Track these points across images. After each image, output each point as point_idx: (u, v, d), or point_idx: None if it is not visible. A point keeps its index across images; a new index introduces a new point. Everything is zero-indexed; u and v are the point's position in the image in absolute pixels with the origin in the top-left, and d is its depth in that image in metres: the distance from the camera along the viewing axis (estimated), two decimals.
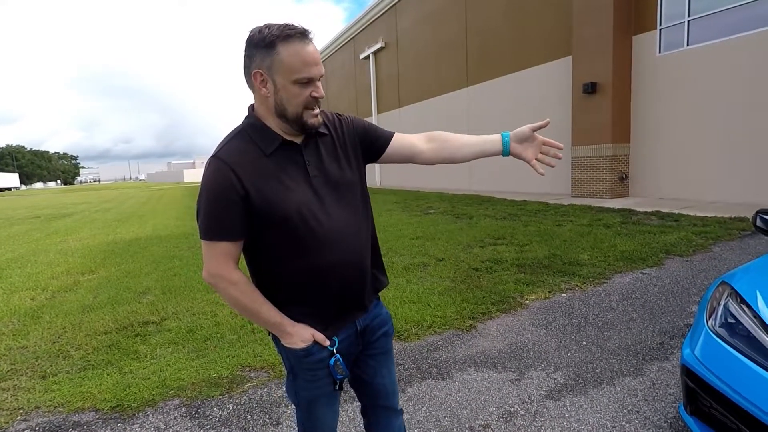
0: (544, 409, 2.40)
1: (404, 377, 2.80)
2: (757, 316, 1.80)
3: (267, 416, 2.45)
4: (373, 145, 1.44)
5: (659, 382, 2.62)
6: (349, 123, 1.41)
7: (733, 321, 1.85)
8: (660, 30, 10.11)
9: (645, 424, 2.23)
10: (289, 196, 1.20)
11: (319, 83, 1.20)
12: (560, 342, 3.23)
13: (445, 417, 2.36)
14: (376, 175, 23.25)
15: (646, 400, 2.44)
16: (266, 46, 1.12)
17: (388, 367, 1.49)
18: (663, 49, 10.12)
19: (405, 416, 2.38)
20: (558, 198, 11.52)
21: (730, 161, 9.09)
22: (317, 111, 1.23)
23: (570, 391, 2.57)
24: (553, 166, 1.47)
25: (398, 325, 3.55)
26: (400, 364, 2.97)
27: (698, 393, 1.82)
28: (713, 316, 1.94)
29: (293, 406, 1.43)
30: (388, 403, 1.52)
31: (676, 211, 8.26)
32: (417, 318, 3.67)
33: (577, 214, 8.63)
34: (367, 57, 22.19)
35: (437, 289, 4.45)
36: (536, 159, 1.45)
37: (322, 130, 1.31)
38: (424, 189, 17.47)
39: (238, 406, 2.56)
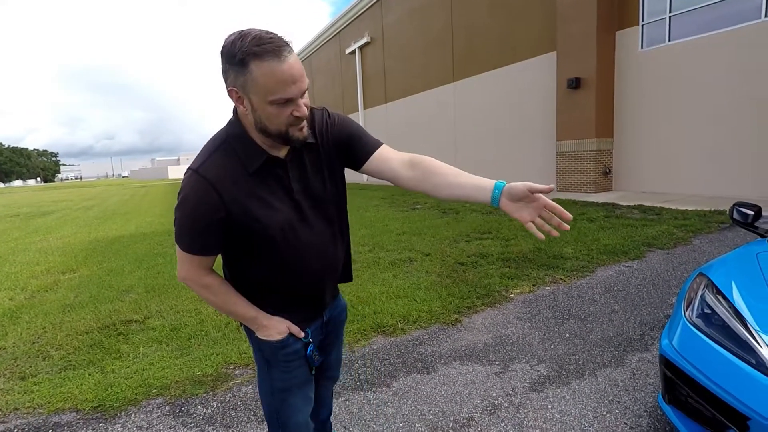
0: (528, 401, 2.43)
1: (390, 372, 2.81)
2: (732, 306, 1.85)
3: (252, 413, 2.44)
4: (355, 155, 1.36)
5: (639, 372, 2.67)
6: (335, 125, 1.35)
7: (709, 311, 1.89)
8: (642, 26, 10.23)
9: (625, 413, 2.28)
10: (273, 216, 1.20)
11: (301, 100, 1.11)
12: (544, 334, 3.27)
13: (430, 411, 2.38)
14: None
15: (626, 390, 2.49)
16: (238, 63, 1.03)
17: (338, 346, 1.66)
18: (645, 45, 10.25)
19: (390, 410, 2.40)
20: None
21: (710, 155, 9.26)
22: (303, 125, 1.17)
23: (553, 382, 2.61)
24: (554, 235, 1.18)
25: (384, 320, 3.56)
26: (386, 359, 2.98)
27: (676, 383, 1.86)
28: (690, 307, 1.98)
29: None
30: (332, 374, 1.69)
31: (658, 205, 8.41)
32: (403, 313, 3.68)
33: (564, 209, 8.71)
34: (353, 52, 22.09)
35: (423, 283, 4.46)
36: (534, 221, 1.17)
37: (310, 140, 1.25)
38: None
39: (223, 404, 2.55)
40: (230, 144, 1.18)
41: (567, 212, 1.14)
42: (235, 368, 2.96)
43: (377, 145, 1.36)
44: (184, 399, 2.62)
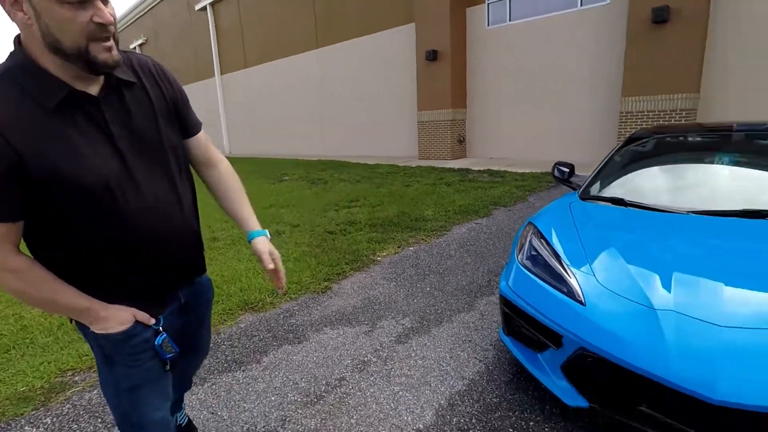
0: (394, 353, 2.60)
1: (260, 348, 2.75)
2: (551, 247, 2.18)
3: (99, 420, 2.18)
4: (184, 124, 1.24)
5: (487, 313, 3.03)
6: (173, 82, 1.20)
7: (535, 253, 2.21)
8: (488, 4, 11.14)
9: (475, 349, 2.58)
10: (85, 164, 0.96)
11: (101, 4, 0.90)
12: (408, 291, 3.50)
13: (302, 378, 2.40)
14: (224, 140, 21.71)
15: (476, 329, 2.82)
16: None
17: (206, 326, 1.52)
18: (491, 23, 11.21)
19: (261, 386, 2.36)
20: (407, 160, 12.25)
21: (544, 124, 10.67)
22: (110, 44, 0.94)
23: (416, 333, 2.83)
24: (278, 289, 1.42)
25: (252, 296, 3.45)
26: (255, 336, 2.90)
27: (511, 317, 2.16)
28: (521, 252, 2.29)
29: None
30: (200, 354, 1.60)
31: (503, 169, 9.48)
32: (270, 287, 3.61)
33: (424, 175, 9.32)
34: (204, 8, 20.05)
35: (293, 255, 4.42)
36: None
37: (125, 75, 1.05)
38: (278, 156, 16.94)
39: (60, 417, 2.20)
40: (15, 77, 0.92)
41: (282, 285, 1.41)
42: (74, 374, 2.57)
43: (200, 124, 1.31)
44: (4, 424, 2.20)
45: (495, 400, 2.13)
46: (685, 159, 2.81)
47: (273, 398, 2.24)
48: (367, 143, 14.54)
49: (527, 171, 8.95)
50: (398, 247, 4.63)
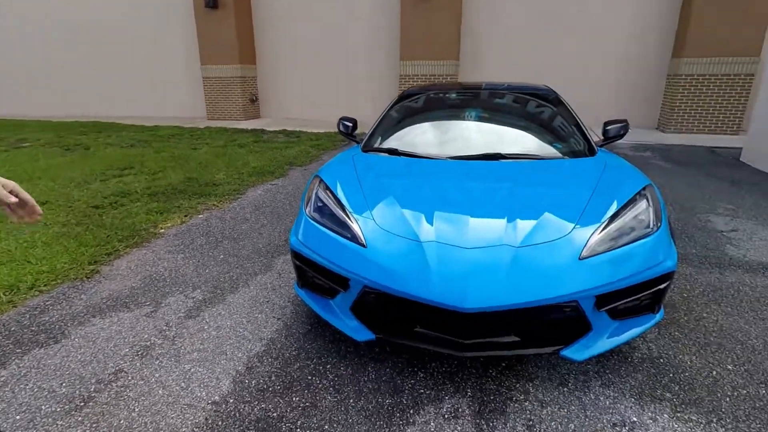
0: (184, 330, 2.37)
1: None
2: (336, 198, 2.25)
3: None
4: None
5: (284, 272, 3.02)
6: None
7: (321, 205, 2.25)
8: None
9: (273, 309, 2.55)
10: None
11: None
12: (198, 262, 3.22)
13: (62, 384, 1.98)
14: None
15: (274, 289, 2.78)
16: None
17: None
18: None
19: (0, 407, 1.86)
20: (194, 122, 11.11)
21: (337, 84, 10.94)
22: None
23: (209, 304, 2.63)
24: (30, 221, 1.14)
25: None
26: None
27: (304, 269, 2.18)
28: (309, 204, 2.31)
29: None
30: None
31: (298, 129, 9.46)
32: (9, 282, 2.85)
33: (213, 137, 8.61)
34: None
35: (41, 239, 3.56)
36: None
37: None
38: (17, 117, 13.26)
39: None
40: None
41: (38, 208, 1.15)
42: None
43: None
44: None
45: (294, 353, 2.15)
46: (445, 113, 3.25)
47: (18, 417, 1.79)
48: (141, 102, 12.57)
49: (322, 131, 9.13)
50: (185, 216, 4.20)
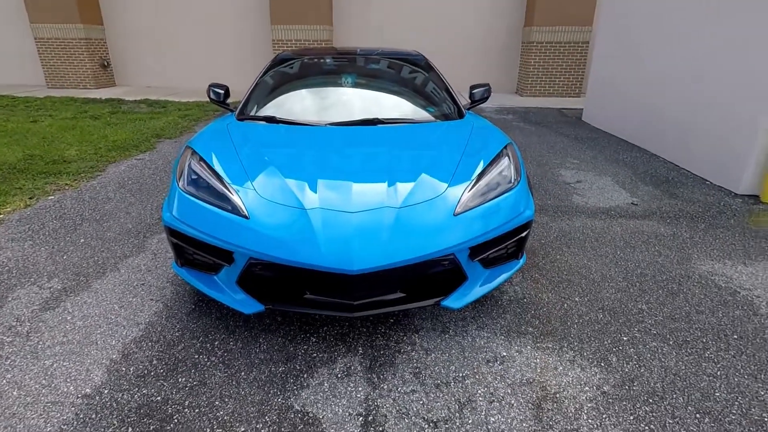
0: (41, 324, 2.09)
1: None
2: (212, 169, 2.12)
3: None
4: None
5: (160, 251, 2.79)
6: None
7: (196, 177, 2.11)
8: None
9: (150, 291, 2.36)
10: None
11: None
12: (53, 248, 2.82)
13: None
14: None
15: (149, 271, 2.56)
16: None
17: None
18: None
19: None
20: (31, 90, 9.43)
21: (205, 49, 10.03)
22: None
23: (70, 293, 2.34)
24: None
25: None
26: None
27: (182, 246, 2.04)
28: (182, 178, 2.14)
29: None
30: None
31: (164, 98, 8.57)
32: None
33: (59, 107, 7.41)
34: None
35: None
36: None
37: None
38: None
39: None
40: None
41: None
42: None
43: None
44: None
45: (177, 334, 2.03)
46: (322, 79, 3.20)
47: None
48: None
49: (192, 100, 8.40)
50: (30, 198, 3.61)
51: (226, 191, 1.99)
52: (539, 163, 4.80)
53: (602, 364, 1.86)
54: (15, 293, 2.34)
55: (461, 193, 2.00)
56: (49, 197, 3.67)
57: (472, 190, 2.03)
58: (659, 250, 2.87)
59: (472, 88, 3.21)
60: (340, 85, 3.06)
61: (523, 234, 2.11)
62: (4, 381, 1.73)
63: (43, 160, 4.52)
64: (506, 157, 2.27)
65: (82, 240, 2.94)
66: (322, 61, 3.38)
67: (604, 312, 2.22)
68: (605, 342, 2.00)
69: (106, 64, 9.98)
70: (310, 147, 2.34)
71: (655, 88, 5.16)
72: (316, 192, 1.94)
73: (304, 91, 3.02)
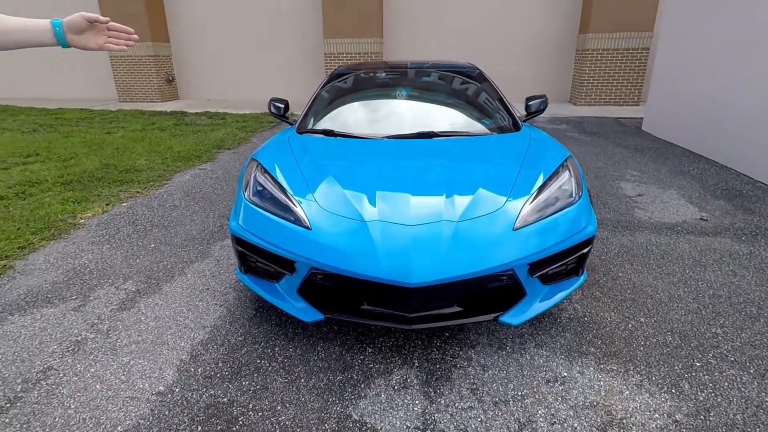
0: (118, 323, 2.25)
1: None
2: (276, 181, 2.22)
3: None
4: None
5: (222, 258, 2.93)
6: None
7: (261, 188, 2.21)
8: None
9: (214, 296, 2.48)
10: None
11: None
12: (127, 252, 3.03)
13: None
14: None
15: (213, 276, 2.70)
16: None
17: None
18: None
19: None
20: (104, 104, 10.21)
21: (260, 63, 10.49)
22: None
23: (143, 294, 2.51)
24: (128, 47, 1.26)
25: None
26: None
27: (246, 254, 2.14)
28: (247, 189, 2.25)
29: None
30: None
31: (222, 111, 9.02)
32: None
33: (129, 120, 7.98)
34: None
35: None
36: (106, 44, 1.21)
37: None
38: None
39: None
40: None
41: (129, 27, 1.23)
42: None
43: None
44: None
45: (240, 338, 2.12)
46: (376, 92, 3.26)
47: None
48: (40, 83, 11.30)
49: (248, 112, 8.77)
50: (107, 204, 3.90)
51: (290, 202, 2.07)
52: (596, 175, 4.63)
53: (673, 391, 1.76)
54: (96, 293, 2.53)
55: (520, 208, 1.97)
56: (123, 204, 3.95)
57: (532, 204, 2.00)
58: (734, 269, 2.69)
59: (528, 99, 3.16)
60: (395, 99, 3.11)
61: (585, 250, 2.05)
62: (89, 375, 1.88)
63: (117, 168, 4.88)
64: (567, 171, 2.22)
65: (153, 245, 3.14)
66: (376, 75, 3.45)
67: (673, 335, 2.10)
68: (676, 367, 1.89)
69: (171, 78, 10.63)
70: (367, 160, 2.39)
71: (726, 95, 4.86)
72: (374, 204, 1.98)
73: (359, 105, 3.10)
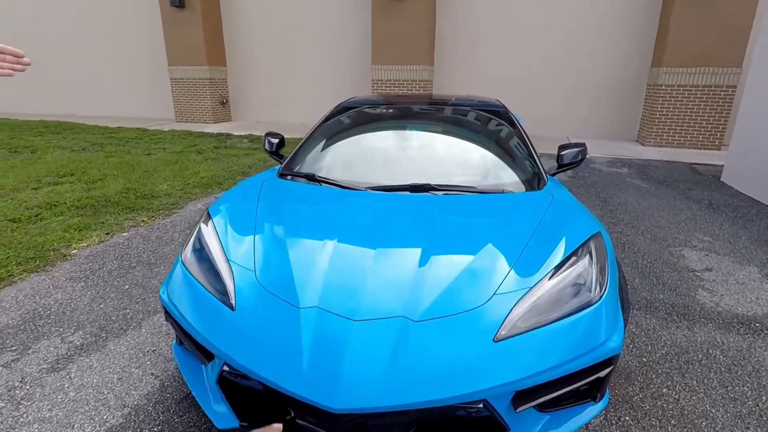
0: (38, 389, 1.94)
1: None
2: (218, 238, 1.84)
3: None
4: None
5: None
6: None
7: (200, 247, 1.84)
8: None
9: (156, 362, 2.13)
10: None
11: None
12: (97, 293, 2.79)
13: None
14: None
15: (167, 334, 2.36)
16: None
17: None
18: None
19: None
20: (161, 123, 10.65)
21: (310, 87, 10.54)
22: None
23: (84, 352, 2.20)
24: (16, 71, 1.13)
25: None
26: None
27: (176, 328, 1.77)
28: (187, 246, 1.90)
29: None
30: None
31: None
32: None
33: (175, 141, 8.15)
34: None
35: None
36: None
37: None
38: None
39: None
40: None
41: (19, 50, 1.12)
42: None
43: None
44: None
45: (155, 429, 1.73)
46: (378, 131, 2.83)
47: None
48: (112, 101, 12.09)
49: (292, 136, 8.70)
50: (107, 234, 3.76)
51: (223, 269, 1.68)
52: (654, 237, 3.88)
53: None
54: (38, 344, 2.27)
55: (511, 307, 1.45)
56: (123, 234, 3.78)
57: (528, 302, 1.47)
58: None
59: (561, 148, 2.61)
60: (398, 141, 2.67)
61: (603, 373, 1.46)
62: None
63: (136, 194, 4.80)
64: (587, 256, 1.66)
65: (127, 286, 2.88)
66: (383, 111, 3.03)
67: None
68: None
69: (224, 101, 10.93)
70: (335, 218, 1.93)
71: None
72: (321, 282, 1.54)
73: (354, 147, 2.68)
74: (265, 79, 10.82)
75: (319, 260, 1.64)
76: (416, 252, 1.65)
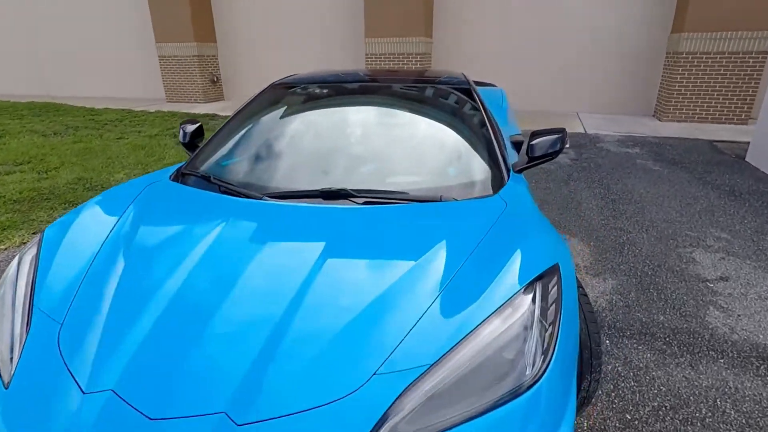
0: None
1: None
2: (35, 274, 1.38)
3: None
4: None
5: None
6: None
7: (11, 288, 1.37)
8: None
9: None
10: None
11: None
12: None
13: None
14: None
15: None
16: None
17: None
18: None
19: None
20: (151, 103, 10.22)
21: (298, 63, 9.93)
22: None
23: None
24: None
25: None
26: None
27: None
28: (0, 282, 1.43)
29: None
30: None
31: None
32: None
33: (153, 123, 7.71)
34: None
35: None
36: None
37: None
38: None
39: None
40: None
41: None
42: None
43: None
44: None
45: None
46: (303, 121, 2.27)
47: None
48: (105, 81, 11.70)
49: None
50: (33, 233, 3.35)
51: (16, 324, 1.22)
52: (661, 234, 3.28)
53: None
54: None
55: (393, 398, 0.95)
56: None
57: (426, 388, 0.97)
58: None
59: (533, 136, 2.03)
60: (323, 131, 2.13)
61: None
62: None
63: (85, 185, 4.39)
64: (529, 304, 1.13)
65: None
66: (315, 92, 2.45)
67: None
68: None
69: (215, 79, 10.41)
70: (194, 247, 1.39)
71: None
72: (131, 352, 1.06)
73: (267, 139, 2.13)
74: (260, 56, 10.24)
75: (144, 316, 1.16)
76: (276, 309, 1.14)
